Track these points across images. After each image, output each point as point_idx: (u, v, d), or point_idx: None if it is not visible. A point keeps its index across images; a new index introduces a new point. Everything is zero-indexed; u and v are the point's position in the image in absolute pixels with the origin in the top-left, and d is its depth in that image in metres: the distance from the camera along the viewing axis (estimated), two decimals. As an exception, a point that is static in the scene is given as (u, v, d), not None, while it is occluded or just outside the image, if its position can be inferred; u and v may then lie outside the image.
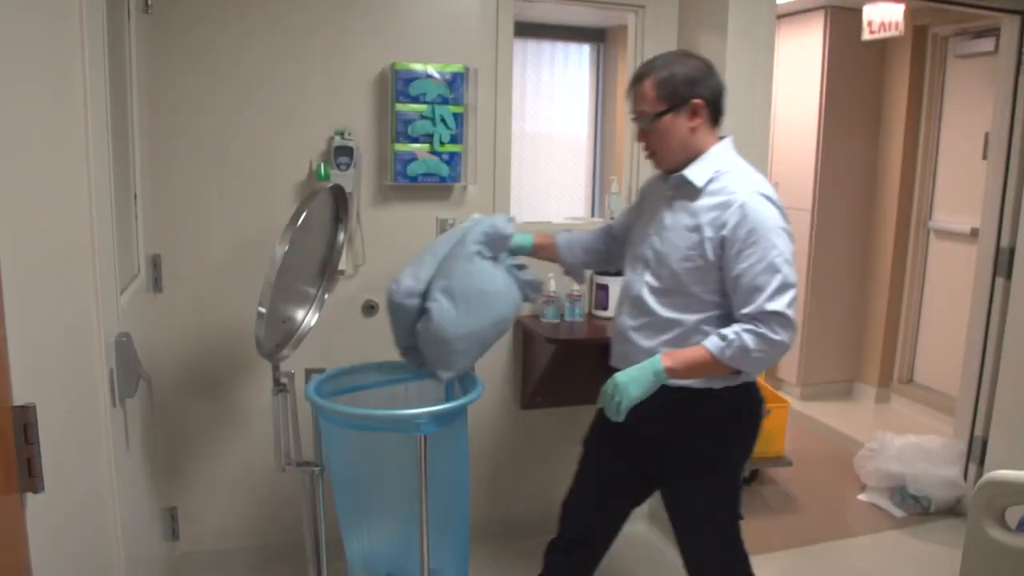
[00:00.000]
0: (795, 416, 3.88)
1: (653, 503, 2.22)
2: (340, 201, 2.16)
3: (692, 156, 1.75)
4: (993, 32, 3.56)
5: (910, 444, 3.24)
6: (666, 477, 1.89)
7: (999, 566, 1.27)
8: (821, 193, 4.30)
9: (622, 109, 3.16)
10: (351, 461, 2.10)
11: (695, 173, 1.73)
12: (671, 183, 1.78)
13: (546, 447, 2.81)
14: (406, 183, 2.48)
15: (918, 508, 3.15)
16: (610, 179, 2.97)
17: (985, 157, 3.30)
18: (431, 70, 2.42)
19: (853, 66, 4.20)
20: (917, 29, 4.06)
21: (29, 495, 0.99)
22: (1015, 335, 2.92)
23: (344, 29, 2.41)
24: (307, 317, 2.16)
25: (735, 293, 1.67)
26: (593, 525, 2.00)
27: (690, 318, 1.73)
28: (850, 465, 3.47)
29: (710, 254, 1.68)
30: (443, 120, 2.45)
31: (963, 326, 3.26)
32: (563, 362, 2.52)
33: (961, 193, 4.01)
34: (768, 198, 1.69)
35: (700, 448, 1.81)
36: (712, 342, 1.65)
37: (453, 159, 2.50)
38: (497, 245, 1.97)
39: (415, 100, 2.42)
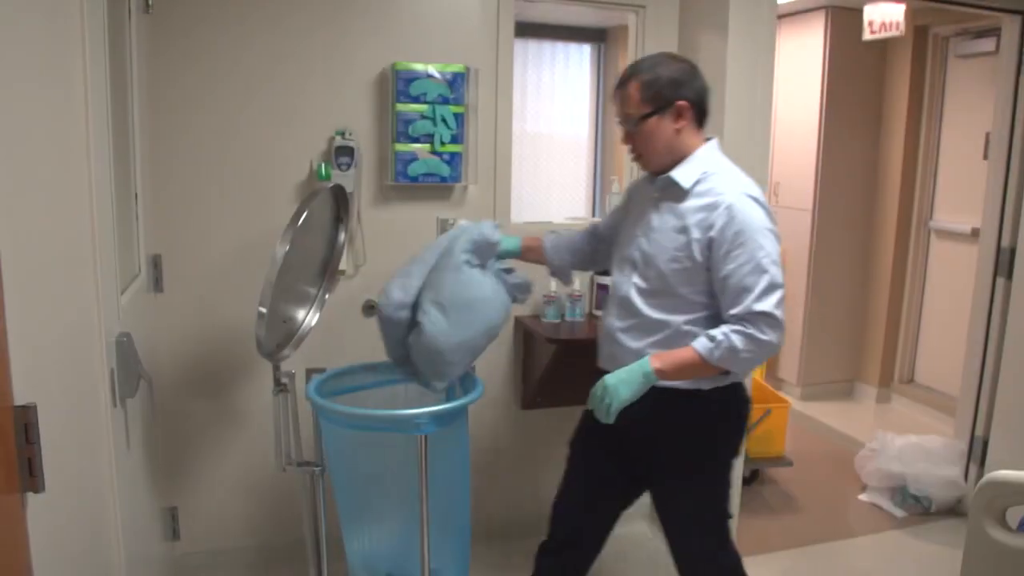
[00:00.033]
0: (796, 416, 3.89)
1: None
2: (341, 201, 2.16)
3: (678, 158, 1.76)
4: (994, 32, 3.56)
5: (911, 444, 3.24)
6: (655, 478, 1.89)
7: (1000, 566, 1.27)
8: (822, 193, 4.30)
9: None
10: (352, 461, 2.10)
11: (682, 175, 1.74)
12: (658, 185, 1.78)
13: (546, 447, 2.81)
14: (407, 183, 2.48)
15: (919, 508, 3.15)
16: (611, 179, 2.97)
17: (986, 157, 3.30)
18: (432, 70, 2.42)
19: (854, 66, 4.20)
20: (918, 29, 4.06)
21: (30, 495, 0.99)
22: (1016, 335, 2.92)
23: (345, 29, 2.41)
24: (308, 317, 2.16)
25: (723, 294, 1.68)
26: (583, 527, 2.01)
27: (678, 319, 1.74)
28: (851, 465, 3.47)
29: (697, 255, 1.69)
30: (444, 120, 2.45)
31: (964, 326, 3.26)
32: (563, 362, 2.52)
33: (962, 193, 4.01)
34: (755, 199, 1.69)
35: (689, 449, 1.81)
36: (701, 343, 1.66)
37: (454, 159, 2.50)
38: (485, 252, 1.97)
39: (416, 100, 2.42)
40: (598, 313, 2.72)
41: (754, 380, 3.06)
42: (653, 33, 2.74)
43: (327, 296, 2.21)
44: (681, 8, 2.75)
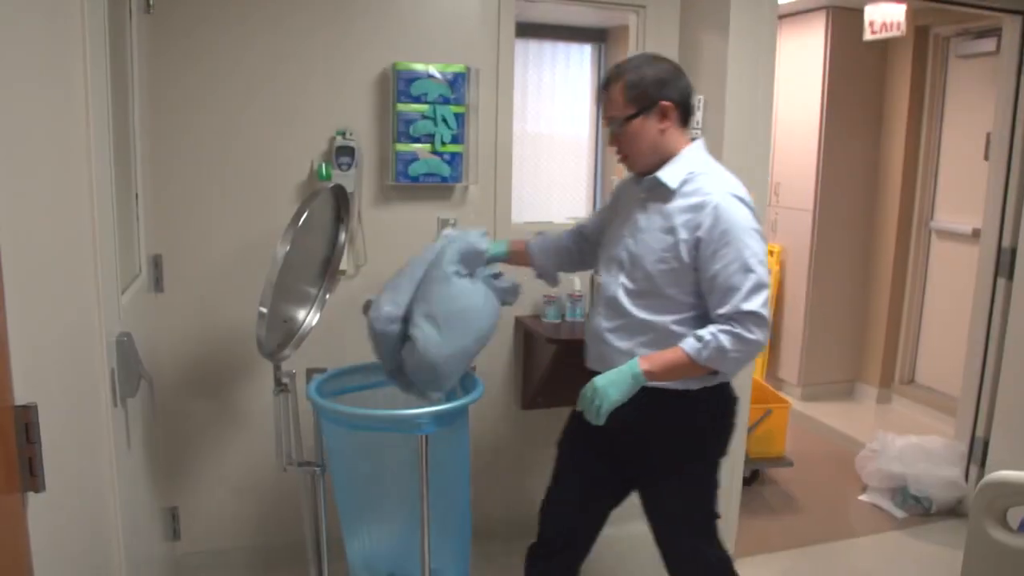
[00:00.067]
0: (796, 417, 3.89)
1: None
2: (341, 201, 2.16)
3: (664, 158, 1.77)
4: (995, 32, 3.56)
5: (911, 445, 3.24)
6: (645, 479, 1.90)
7: (1000, 567, 1.27)
8: (823, 193, 4.30)
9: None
10: (352, 461, 2.10)
11: (668, 175, 1.74)
12: (644, 185, 1.79)
13: (547, 447, 2.78)
14: (407, 183, 2.48)
15: (919, 509, 3.15)
16: (611, 179, 2.97)
17: (987, 157, 3.30)
18: (432, 70, 2.42)
19: (855, 66, 4.20)
20: (919, 29, 4.06)
21: (30, 494, 0.99)
22: (1016, 336, 2.92)
23: (346, 30, 2.41)
24: (308, 317, 2.16)
25: (711, 293, 1.69)
26: (576, 528, 2.01)
27: (665, 319, 1.74)
28: (851, 466, 3.47)
29: (685, 256, 1.69)
30: (444, 120, 2.45)
31: (964, 327, 3.26)
32: (564, 362, 2.52)
33: (963, 193, 4.01)
34: (740, 199, 1.70)
35: (679, 449, 1.82)
36: (689, 344, 1.67)
37: (454, 159, 2.50)
38: (473, 261, 1.97)
39: (416, 100, 2.42)
40: (599, 313, 2.72)
41: (754, 380, 3.06)
42: (654, 33, 2.73)
43: (328, 296, 2.21)
44: (682, 8, 2.74)
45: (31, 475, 0.98)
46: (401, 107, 2.41)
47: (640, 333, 1.76)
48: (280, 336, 2.05)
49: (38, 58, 1.17)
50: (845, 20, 4.09)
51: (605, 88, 1.79)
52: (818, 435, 4.09)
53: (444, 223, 2.57)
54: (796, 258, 4.46)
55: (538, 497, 2.01)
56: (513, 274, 2.11)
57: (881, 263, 4.41)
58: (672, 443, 1.81)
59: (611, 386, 1.68)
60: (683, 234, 1.69)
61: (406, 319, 1.95)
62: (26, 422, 0.97)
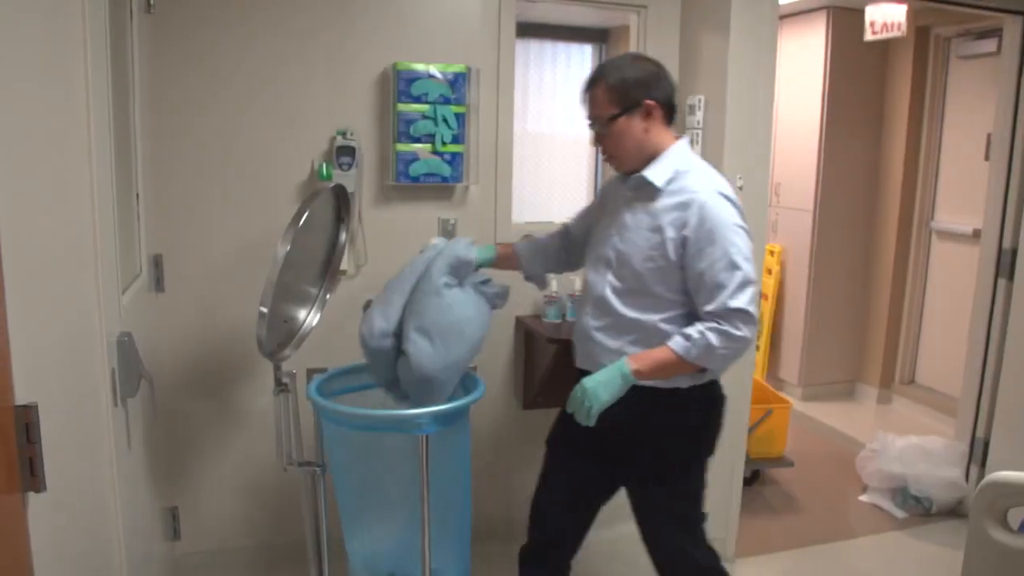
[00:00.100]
0: (796, 417, 3.88)
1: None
2: (342, 201, 2.16)
3: (649, 156, 1.77)
4: (995, 33, 3.56)
5: (912, 445, 3.24)
6: (636, 478, 1.90)
7: (1001, 567, 1.27)
8: (823, 193, 4.30)
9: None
10: (353, 461, 2.10)
11: (654, 174, 1.75)
12: (631, 184, 1.79)
13: (547, 447, 2.81)
14: (408, 183, 2.48)
15: (920, 509, 3.15)
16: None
17: (987, 158, 3.30)
18: (433, 70, 2.42)
19: (855, 66, 4.19)
20: (919, 30, 4.06)
21: (31, 494, 0.99)
22: (1017, 336, 2.92)
23: (346, 30, 2.41)
24: (309, 317, 2.16)
25: (698, 291, 1.69)
26: (566, 527, 2.02)
27: (653, 317, 1.75)
28: (852, 466, 3.47)
29: (672, 254, 1.70)
30: (445, 120, 2.45)
31: (965, 327, 3.26)
32: (564, 362, 2.50)
33: (963, 194, 4.01)
34: (727, 197, 1.71)
35: (669, 449, 1.83)
36: (677, 342, 1.67)
37: (455, 159, 2.50)
38: (461, 271, 1.97)
39: (417, 100, 2.42)
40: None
41: (755, 380, 3.06)
42: (655, 33, 2.73)
43: (328, 296, 2.21)
44: (683, 8, 2.74)
45: (31, 475, 0.98)
46: (402, 107, 2.41)
47: (628, 332, 1.76)
48: (280, 336, 2.05)
49: (39, 58, 1.17)
50: (846, 20, 4.09)
51: (588, 89, 1.80)
52: (818, 435, 4.09)
53: (445, 223, 2.57)
54: (796, 258, 4.46)
55: (539, 497, 2.03)
56: (500, 277, 2.10)
57: (881, 263, 4.41)
58: (664, 442, 1.82)
59: (600, 387, 1.68)
60: (670, 232, 1.70)
61: (398, 334, 1.96)
62: (26, 422, 0.97)
